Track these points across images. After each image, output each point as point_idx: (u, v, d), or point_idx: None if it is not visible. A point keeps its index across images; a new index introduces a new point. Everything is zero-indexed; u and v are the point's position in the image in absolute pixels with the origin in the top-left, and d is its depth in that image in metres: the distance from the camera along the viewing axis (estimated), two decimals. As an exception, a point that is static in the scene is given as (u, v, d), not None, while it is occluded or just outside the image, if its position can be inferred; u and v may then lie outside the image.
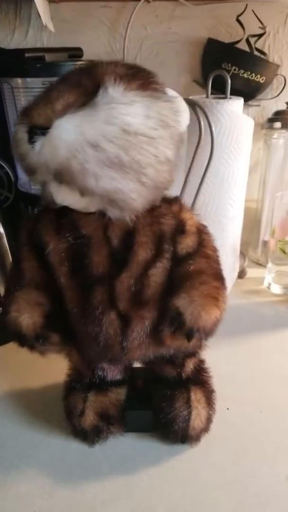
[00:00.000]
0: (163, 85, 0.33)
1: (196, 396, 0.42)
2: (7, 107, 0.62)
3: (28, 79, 0.56)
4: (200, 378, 0.44)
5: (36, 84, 0.56)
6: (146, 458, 0.42)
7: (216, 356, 0.45)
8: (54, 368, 0.52)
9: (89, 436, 0.42)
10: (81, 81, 0.31)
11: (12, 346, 0.58)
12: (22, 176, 0.67)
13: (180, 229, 0.36)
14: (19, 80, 0.57)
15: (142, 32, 0.79)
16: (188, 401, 0.41)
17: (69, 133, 0.29)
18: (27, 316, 0.35)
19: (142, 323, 0.36)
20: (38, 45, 0.79)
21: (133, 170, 0.30)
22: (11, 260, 0.54)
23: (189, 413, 0.41)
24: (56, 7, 0.76)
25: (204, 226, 0.39)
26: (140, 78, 0.31)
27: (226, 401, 0.46)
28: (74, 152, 0.29)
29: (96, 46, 0.79)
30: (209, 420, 0.43)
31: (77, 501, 0.38)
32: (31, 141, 0.29)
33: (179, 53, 0.81)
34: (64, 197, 0.32)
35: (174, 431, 0.42)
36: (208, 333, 0.35)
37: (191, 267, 0.36)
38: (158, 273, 0.36)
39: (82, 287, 0.35)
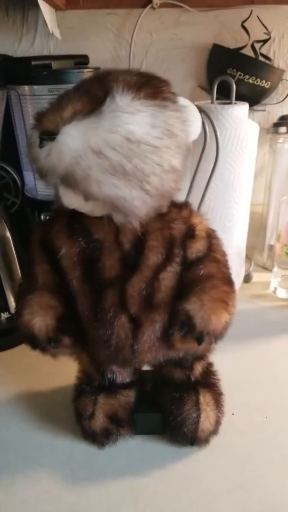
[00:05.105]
0: (175, 94, 0.33)
1: (205, 398, 0.42)
2: (14, 114, 0.63)
3: (35, 87, 0.57)
4: (208, 381, 0.44)
5: (43, 92, 0.57)
6: (152, 462, 0.42)
7: (222, 361, 0.45)
8: (60, 371, 0.52)
9: (99, 438, 0.43)
10: (91, 89, 0.31)
11: (18, 350, 0.59)
12: (29, 182, 0.68)
13: (190, 233, 0.37)
14: (26, 88, 0.58)
15: (148, 39, 0.80)
16: (197, 404, 0.42)
17: (74, 139, 0.29)
18: (39, 319, 0.36)
19: (152, 326, 0.36)
20: (45, 52, 0.80)
21: (136, 178, 0.30)
22: (18, 264, 0.54)
23: (198, 416, 0.41)
24: (63, 15, 0.77)
25: (213, 231, 0.39)
26: (150, 87, 0.31)
27: (231, 406, 0.46)
28: (78, 159, 0.29)
29: (102, 53, 0.80)
30: (218, 422, 0.43)
31: (83, 506, 0.38)
32: (41, 145, 0.30)
33: (184, 59, 0.81)
34: (71, 200, 0.33)
35: (184, 433, 0.42)
36: (218, 336, 0.36)
37: (201, 271, 0.37)
38: (168, 277, 0.36)
39: (94, 290, 0.36)
